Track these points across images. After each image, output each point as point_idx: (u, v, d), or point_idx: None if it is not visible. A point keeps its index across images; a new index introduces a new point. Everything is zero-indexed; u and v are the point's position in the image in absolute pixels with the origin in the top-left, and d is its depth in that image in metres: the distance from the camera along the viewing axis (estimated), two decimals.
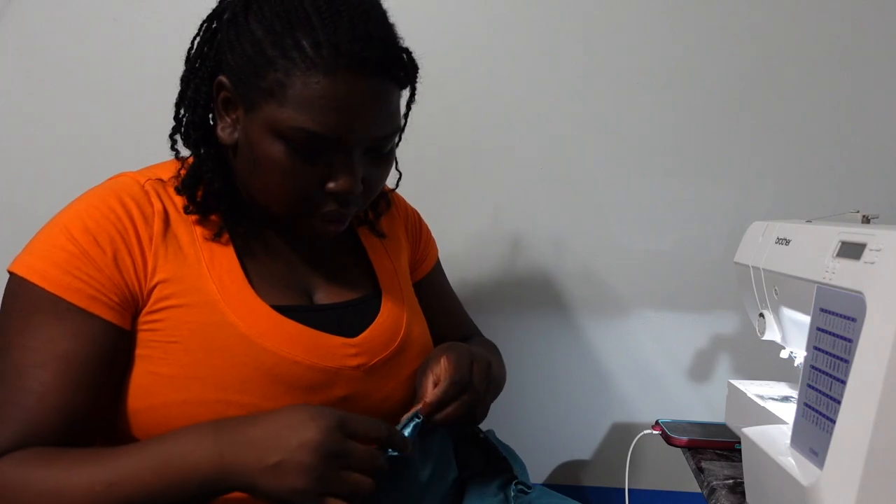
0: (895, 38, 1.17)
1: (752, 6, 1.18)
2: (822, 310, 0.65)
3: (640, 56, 1.20)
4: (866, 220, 0.76)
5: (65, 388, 0.65)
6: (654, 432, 0.95)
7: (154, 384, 0.69)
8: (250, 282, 0.74)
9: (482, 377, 0.79)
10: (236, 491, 0.63)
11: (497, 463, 0.91)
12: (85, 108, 1.27)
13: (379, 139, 0.71)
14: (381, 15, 0.72)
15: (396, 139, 0.77)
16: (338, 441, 0.62)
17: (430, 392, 0.75)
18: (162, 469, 0.62)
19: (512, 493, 0.86)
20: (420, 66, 0.75)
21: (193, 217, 0.74)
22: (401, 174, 0.89)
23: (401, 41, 0.73)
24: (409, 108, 0.80)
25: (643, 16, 1.20)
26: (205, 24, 0.75)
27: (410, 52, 0.74)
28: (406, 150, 0.85)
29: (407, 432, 0.72)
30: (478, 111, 1.24)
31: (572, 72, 1.22)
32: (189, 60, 0.75)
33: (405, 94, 0.77)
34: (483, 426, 0.90)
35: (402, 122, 0.79)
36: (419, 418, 0.74)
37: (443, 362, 0.77)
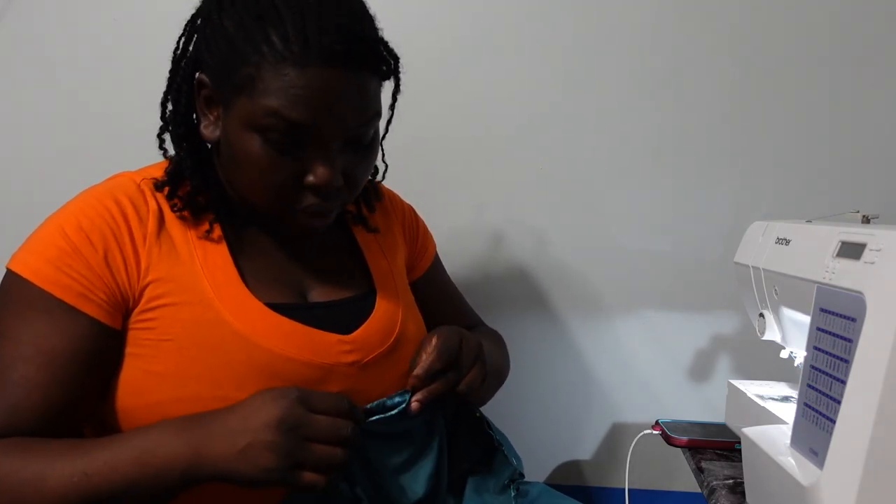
0: (894, 38, 1.17)
1: (752, 6, 1.18)
2: (822, 310, 0.65)
3: (639, 55, 1.20)
4: (866, 220, 0.76)
5: (48, 384, 0.66)
6: (654, 432, 0.95)
7: (148, 382, 0.69)
8: (244, 279, 0.74)
9: (470, 354, 0.80)
10: (215, 481, 0.64)
11: (493, 454, 0.90)
12: (85, 108, 1.27)
13: (356, 128, 0.70)
14: (355, 5, 0.71)
15: (380, 130, 0.77)
16: (298, 415, 0.64)
17: (419, 366, 0.76)
18: (139, 460, 0.63)
19: (512, 494, 0.86)
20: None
21: (187, 215, 0.74)
22: (387, 166, 0.89)
23: (377, 31, 0.73)
24: (394, 98, 0.79)
25: (642, 15, 1.20)
26: (188, 23, 0.75)
27: (387, 43, 0.73)
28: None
29: (390, 403, 0.74)
30: (476, 111, 1.24)
31: (571, 72, 1.22)
32: (174, 59, 0.76)
33: (389, 84, 0.76)
34: None
35: (390, 112, 0.80)
36: (407, 393, 0.75)
37: (433, 340, 0.78)
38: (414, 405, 0.75)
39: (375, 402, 0.75)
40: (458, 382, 0.78)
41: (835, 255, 0.65)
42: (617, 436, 1.28)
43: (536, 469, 1.29)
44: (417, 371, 0.76)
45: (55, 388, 0.67)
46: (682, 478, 1.26)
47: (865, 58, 1.18)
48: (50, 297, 0.67)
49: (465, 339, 0.81)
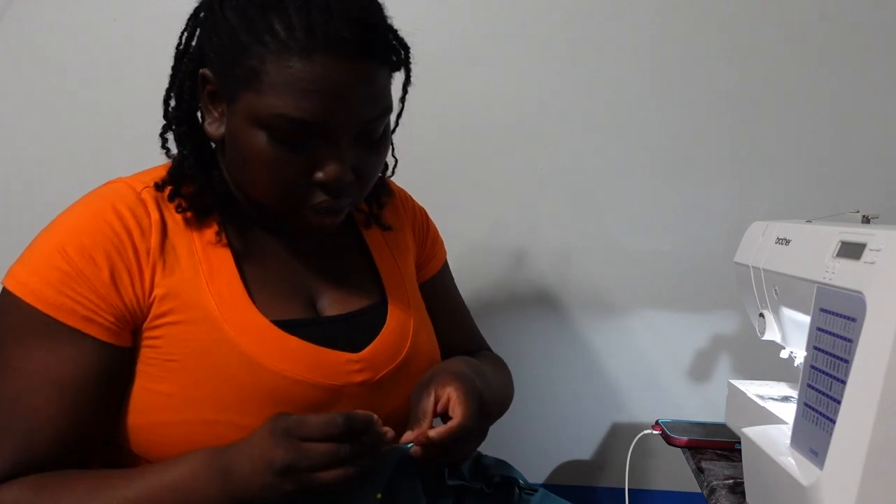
0: (894, 38, 1.17)
1: (751, 7, 1.18)
2: (822, 310, 0.65)
3: (639, 56, 1.20)
4: (866, 220, 0.76)
5: (58, 415, 0.65)
6: (654, 432, 0.95)
7: (153, 402, 0.68)
8: (250, 293, 0.71)
9: (479, 434, 0.74)
10: None
11: (498, 484, 0.89)
12: (85, 108, 1.27)
13: (366, 122, 0.68)
14: None
15: (391, 123, 0.74)
16: (290, 453, 0.61)
17: (427, 422, 0.70)
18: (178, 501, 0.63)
19: (516, 495, 0.85)
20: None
21: (190, 216, 0.72)
22: (396, 161, 0.86)
23: (386, 21, 0.70)
24: (405, 90, 0.76)
25: (643, 17, 1.20)
26: (191, 17, 0.73)
27: (397, 32, 0.70)
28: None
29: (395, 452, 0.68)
30: (477, 112, 1.24)
31: (572, 72, 1.22)
32: (176, 55, 0.74)
33: (399, 76, 0.74)
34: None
35: (401, 105, 0.77)
36: (409, 447, 0.69)
37: (454, 398, 0.71)
38: (414, 450, 0.69)
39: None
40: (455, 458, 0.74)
41: (835, 255, 0.65)
42: (617, 436, 1.28)
43: (537, 469, 1.29)
44: (416, 449, 0.69)
45: (67, 417, 0.65)
46: (682, 478, 1.26)
47: (865, 58, 1.18)
48: (54, 322, 0.64)
49: (488, 414, 0.75)
